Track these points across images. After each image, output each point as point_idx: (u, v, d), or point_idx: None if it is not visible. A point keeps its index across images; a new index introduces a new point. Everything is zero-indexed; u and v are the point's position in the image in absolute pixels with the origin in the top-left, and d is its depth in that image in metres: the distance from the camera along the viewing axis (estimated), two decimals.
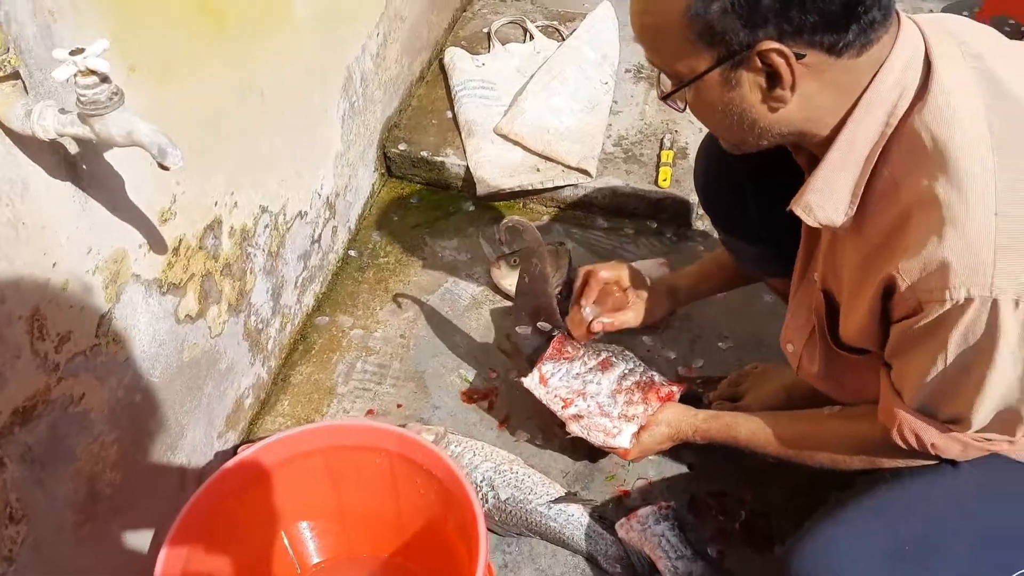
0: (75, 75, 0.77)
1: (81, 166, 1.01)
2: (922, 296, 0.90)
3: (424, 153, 2.10)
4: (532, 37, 2.42)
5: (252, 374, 1.61)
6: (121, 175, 1.09)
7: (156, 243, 1.20)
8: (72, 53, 0.77)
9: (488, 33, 2.44)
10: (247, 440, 1.61)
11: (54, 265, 1.00)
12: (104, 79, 0.78)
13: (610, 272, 1.50)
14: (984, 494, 1.08)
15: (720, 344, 1.78)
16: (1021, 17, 2.46)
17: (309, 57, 1.63)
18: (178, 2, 1.18)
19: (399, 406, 1.68)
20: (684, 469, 1.56)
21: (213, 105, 1.32)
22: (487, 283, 1.90)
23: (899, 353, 1.01)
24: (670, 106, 1.03)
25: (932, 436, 1.03)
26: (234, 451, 1.57)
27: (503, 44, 2.39)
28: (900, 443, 1.06)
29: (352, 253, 1.98)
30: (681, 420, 1.37)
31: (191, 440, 1.42)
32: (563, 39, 2.41)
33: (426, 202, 2.11)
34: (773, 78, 0.91)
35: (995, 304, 0.86)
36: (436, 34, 2.37)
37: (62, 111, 0.84)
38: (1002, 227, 0.86)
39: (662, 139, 2.11)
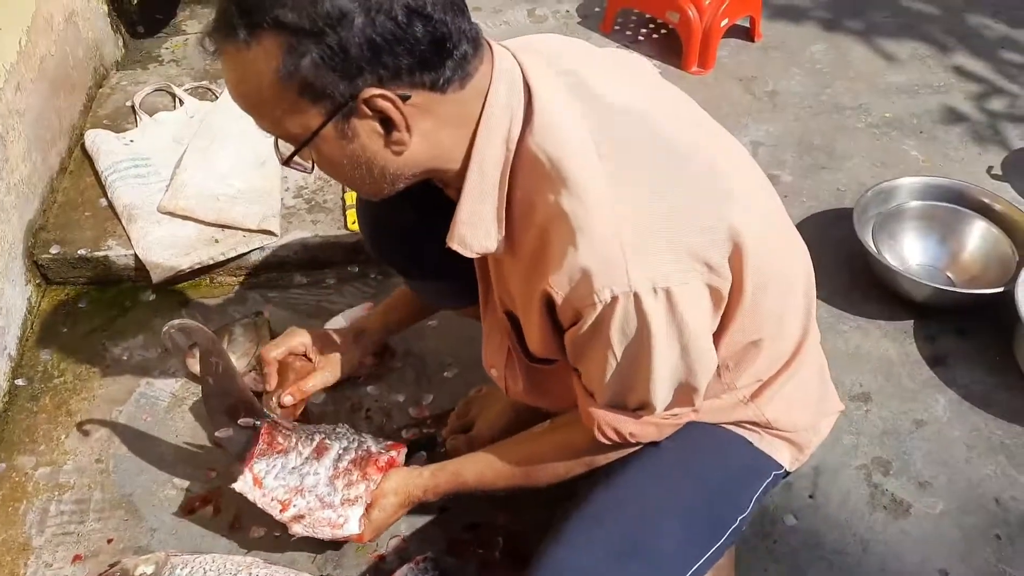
0: None
1: None
2: (577, 304, 0.94)
3: (82, 251, 1.88)
4: (182, 102, 2.27)
5: None
6: None
7: None
8: None
9: (132, 106, 2.25)
10: None
11: None
12: None
13: (279, 348, 1.41)
14: (683, 465, 1.14)
15: (446, 373, 1.76)
16: (644, 8, 2.69)
17: None
18: None
19: (110, 541, 1.48)
20: (435, 513, 1.51)
21: None
22: (186, 375, 1.73)
23: (579, 358, 1.04)
24: (295, 168, 0.99)
25: (628, 426, 1.07)
26: None
27: (151, 115, 2.22)
28: (603, 439, 1.09)
29: (20, 382, 1.73)
30: (408, 484, 1.32)
31: None
32: (216, 98, 2.28)
33: (97, 303, 1.90)
34: (387, 123, 0.91)
35: (637, 297, 0.91)
36: (71, 119, 2.14)
37: None
38: (623, 228, 0.91)
39: None
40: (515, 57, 0.99)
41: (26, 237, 1.85)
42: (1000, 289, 1.78)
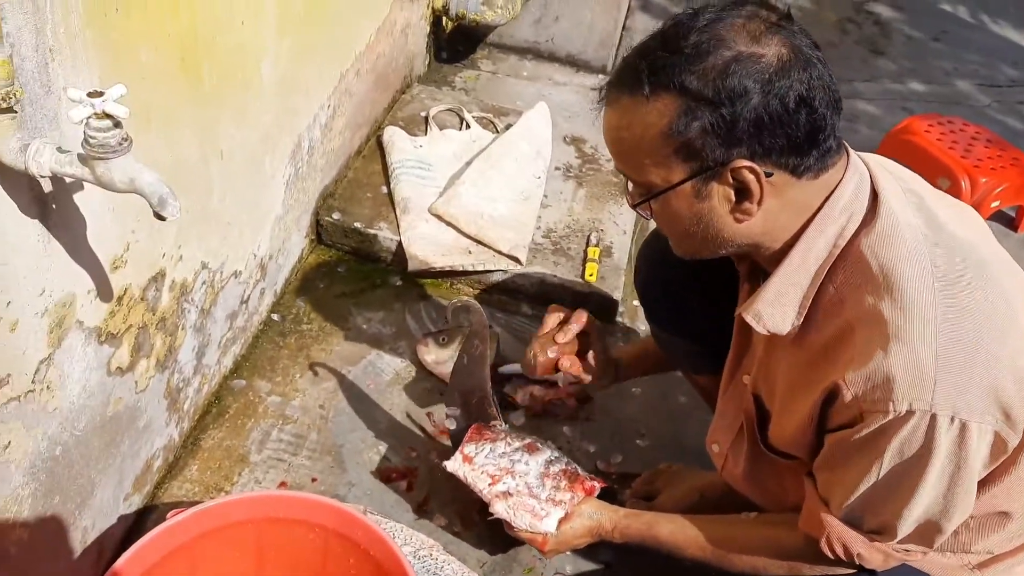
0: (89, 117, 0.75)
1: (51, 206, 0.97)
2: (865, 406, 0.96)
3: (358, 224, 2.10)
4: (468, 126, 2.49)
5: (166, 435, 1.54)
6: (85, 219, 1.05)
7: (104, 290, 1.15)
8: (90, 95, 0.75)
9: (426, 117, 2.49)
10: (150, 505, 1.52)
11: (8, 304, 0.95)
12: (117, 124, 0.77)
13: (581, 323, 1.42)
14: None
15: (639, 441, 1.81)
16: (908, 162, 2.70)
17: (267, 121, 1.63)
18: (161, 54, 1.17)
19: (314, 480, 1.63)
20: (600, 567, 1.56)
21: (177, 159, 1.30)
22: (412, 359, 1.89)
23: (833, 463, 1.05)
24: (640, 214, 1.08)
25: (859, 546, 1.07)
26: (137, 516, 1.48)
27: (440, 129, 2.45)
28: (828, 552, 1.09)
29: (275, 317, 1.94)
30: (602, 515, 1.36)
31: (100, 500, 1.34)
32: (496, 131, 2.49)
33: (353, 272, 2.10)
34: (742, 193, 0.98)
35: (933, 419, 0.93)
36: (377, 112, 2.41)
37: (59, 150, 0.82)
38: (942, 350, 0.94)
39: (588, 236, 2.19)
40: (867, 165, 1.05)
41: (319, 198, 2.10)
42: None
